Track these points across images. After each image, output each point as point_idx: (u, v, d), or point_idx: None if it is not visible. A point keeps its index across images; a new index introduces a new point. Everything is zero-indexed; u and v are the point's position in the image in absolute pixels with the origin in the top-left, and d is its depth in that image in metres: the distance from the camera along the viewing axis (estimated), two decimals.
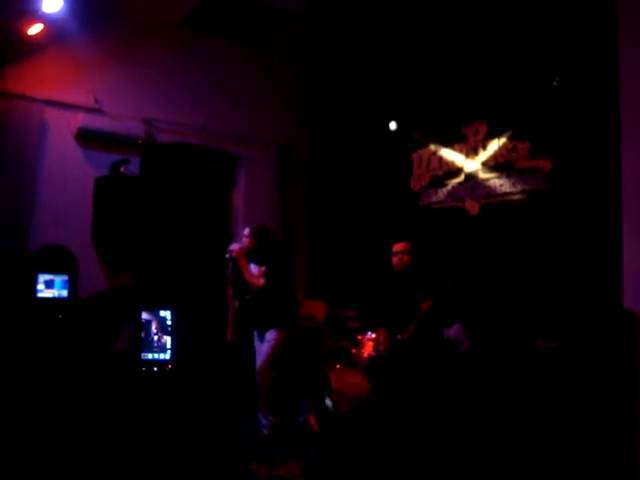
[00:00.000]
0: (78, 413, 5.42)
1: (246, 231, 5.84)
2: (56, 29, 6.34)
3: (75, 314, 6.35)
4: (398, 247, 5.70)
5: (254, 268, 5.71)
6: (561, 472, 4.63)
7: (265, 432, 5.62)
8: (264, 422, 5.64)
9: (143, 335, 5.82)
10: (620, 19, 5.12)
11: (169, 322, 5.89)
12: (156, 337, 5.86)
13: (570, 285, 5.54)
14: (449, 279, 5.42)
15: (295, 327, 5.84)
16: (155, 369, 5.81)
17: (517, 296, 5.97)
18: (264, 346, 5.60)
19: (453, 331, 5.93)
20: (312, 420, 5.70)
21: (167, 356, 5.86)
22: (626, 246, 4.97)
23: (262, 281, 5.60)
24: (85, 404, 5.56)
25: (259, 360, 5.63)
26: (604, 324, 4.89)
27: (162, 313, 5.91)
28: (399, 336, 5.46)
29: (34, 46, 6.42)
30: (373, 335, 5.94)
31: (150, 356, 5.84)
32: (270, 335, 5.58)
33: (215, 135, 7.87)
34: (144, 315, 5.85)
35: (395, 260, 5.68)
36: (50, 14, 6.02)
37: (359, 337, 6.16)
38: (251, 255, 5.75)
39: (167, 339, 5.86)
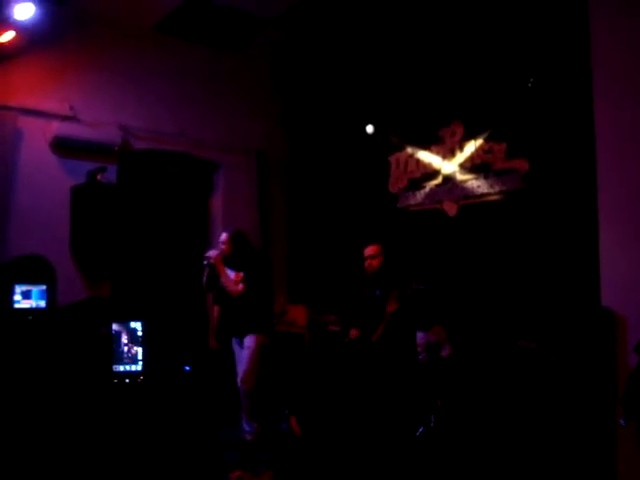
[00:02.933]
0: (54, 426, 5.36)
1: (223, 236, 5.81)
2: (29, 36, 6.26)
3: (52, 324, 6.26)
4: (366, 251, 5.72)
5: (232, 274, 5.69)
6: (544, 469, 4.65)
7: (248, 438, 5.60)
8: (247, 429, 5.62)
9: (113, 347, 5.75)
10: (592, 20, 5.18)
11: (140, 333, 5.83)
12: (126, 348, 5.79)
13: (549, 284, 5.57)
14: (414, 282, 5.47)
15: (272, 332, 5.82)
16: (127, 381, 5.75)
17: (496, 296, 5.99)
18: (244, 353, 5.58)
19: (435, 335, 5.96)
20: (294, 425, 5.69)
21: (138, 367, 5.80)
22: (602, 244, 5.01)
23: (240, 287, 5.58)
24: (61, 416, 5.51)
25: (240, 367, 5.61)
26: (583, 322, 4.93)
27: (132, 324, 5.85)
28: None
29: (6, 54, 6.34)
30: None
31: (121, 368, 5.77)
32: (249, 341, 5.56)
33: (193, 142, 7.81)
34: (114, 326, 5.78)
35: (365, 264, 5.70)
36: (22, 21, 5.94)
37: None
38: (229, 261, 5.72)
39: (138, 350, 5.81)
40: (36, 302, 6.29)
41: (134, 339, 5.81)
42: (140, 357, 5.81)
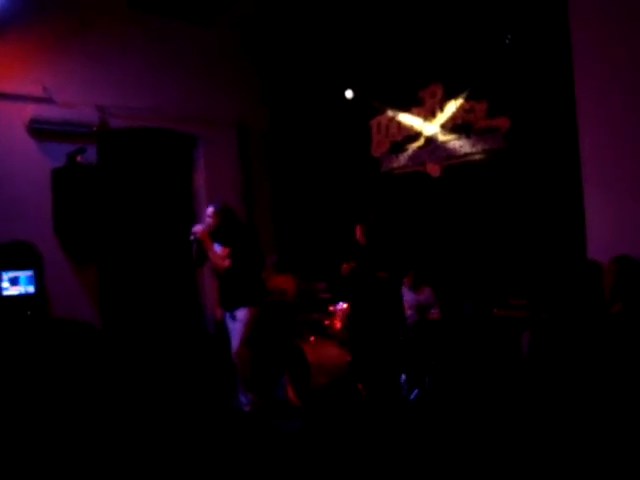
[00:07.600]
0: (50, 409, 5.40)
1: (209, 210, 5.75)
2: None
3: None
4: None
5: (219, 249, 5.67)
6: (539, 428, 4.73)
7: (246, 409, 5.64)
8: (244, 400, 5.66)
9: None
10: None
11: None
12: None
13: (535, 241, 5.62)
14: (371, 214, 5.64)
15: (264, 303, 5.84)
16: None
17: (485, 255, 6.04)
18: (236, 325, 5.59)
19: (424, 296, 6.05)
20: (291, 393, 5.76)
21: None
22: (587, 198, 5.05)
23: (227, 262, 5.56)
24: (58, 399, 5.55)
25: (234, 340, 5.62)
26: (570, 276, 4.98)
27: None
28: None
29: None
30: (344, 305, 6.01)
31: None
32: (241, 314, 5.56)
33: (171, 117, 7.72)
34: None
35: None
36: None
37: (331, 308, 6.20)
38: (215, 235, 5.70)
39: None
40: (25, 288, 6.27)
41: None
42: None
